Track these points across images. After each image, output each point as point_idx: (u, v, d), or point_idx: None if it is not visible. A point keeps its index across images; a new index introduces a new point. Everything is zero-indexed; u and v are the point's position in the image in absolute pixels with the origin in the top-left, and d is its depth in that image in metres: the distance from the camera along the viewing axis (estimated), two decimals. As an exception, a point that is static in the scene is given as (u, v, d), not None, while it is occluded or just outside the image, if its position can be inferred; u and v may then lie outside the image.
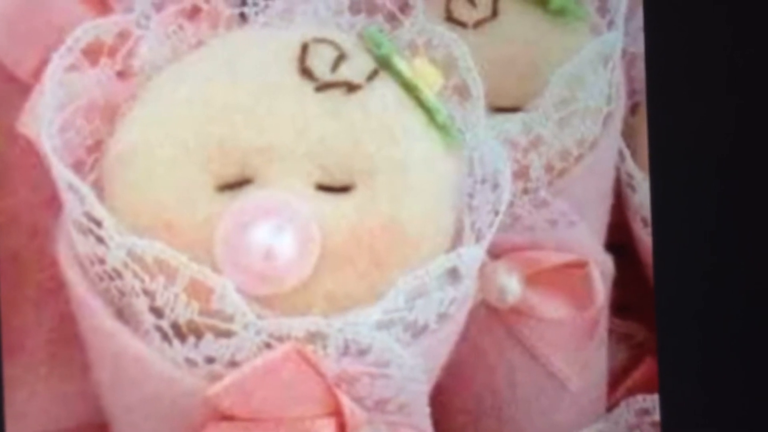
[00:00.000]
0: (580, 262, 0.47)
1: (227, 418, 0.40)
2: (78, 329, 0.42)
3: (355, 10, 0.45)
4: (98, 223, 0.40)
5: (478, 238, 0.43)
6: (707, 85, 0.48)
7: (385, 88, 0.42)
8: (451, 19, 0.48)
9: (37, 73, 0.43)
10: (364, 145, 0.41)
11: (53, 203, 0.42)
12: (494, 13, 0.49)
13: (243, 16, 0.45)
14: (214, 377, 0.40)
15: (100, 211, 0.40)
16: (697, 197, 0.47)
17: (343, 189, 0.41)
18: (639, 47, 0.49)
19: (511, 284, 0.46)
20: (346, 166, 0.41)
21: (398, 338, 0.41)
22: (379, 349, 0.41)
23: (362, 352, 0.41)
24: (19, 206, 0.44)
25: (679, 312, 0.47)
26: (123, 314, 0.41)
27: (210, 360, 0.40)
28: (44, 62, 0.42)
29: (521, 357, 0.47)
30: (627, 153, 0.49)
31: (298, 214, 0.40)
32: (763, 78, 0.48)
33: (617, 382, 0.49)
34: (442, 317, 0.42)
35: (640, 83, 0.49)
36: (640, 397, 0.48)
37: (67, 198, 0.41)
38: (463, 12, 0.49)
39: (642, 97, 0.49)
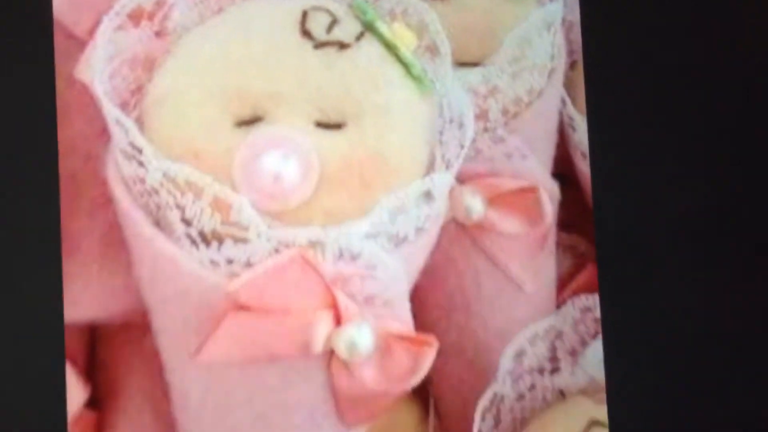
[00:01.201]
0: (532, 187, 0.48)
1: (244, 308, 0.42)
2: (123, 235, 0.44)
3: (345, -16, 0.48)
4: (140, 151, 0.43)
5: (448, 167, 0.46)
6: (633, 43, 0.50)
7: (370, 47, 0.45)
8: (423, -9, 0.52)
9: (92, 31, 0.45)
10: (354, 92, 0.44)
11: (103, 134, 0.44)
12: (459, -13, 0.52)
13: (256, -12, 0.49)
14: (233, 275, 0.42)
15: (141, 141, 0.43)
16: (625, 134, 0.49)
17: (337, 126, 0.44)
18: (576, 16, 0.50)
19: (475, 204, 0.47)
20: (339, 108, 0.44)
21: (383, 247, 0.44)
22: (367, 255, 0.44)
23: (354, 257, 0.44)
24: (77, 136, 0.45)
25: (614, 227, 0.48)
26: (159, 224, 0.43)
27: (230, 261, 0.43)
28: (97, 23, 0.44)
29: (485, 264, 0.48)
30: (568, 100, 0.49)
31: (301, 146, 0.43)
32: (680, 34, 0.51)
33: (564, 284, 0.49)
34: (419, 230, 0.45)
35: (577, 45, 0.50)
36: (583, 297, 0.48)
37: (115, 130, 0.43)
38: (433, -15, 0.53)
39: (579, 56, 0.50)
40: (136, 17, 0.45)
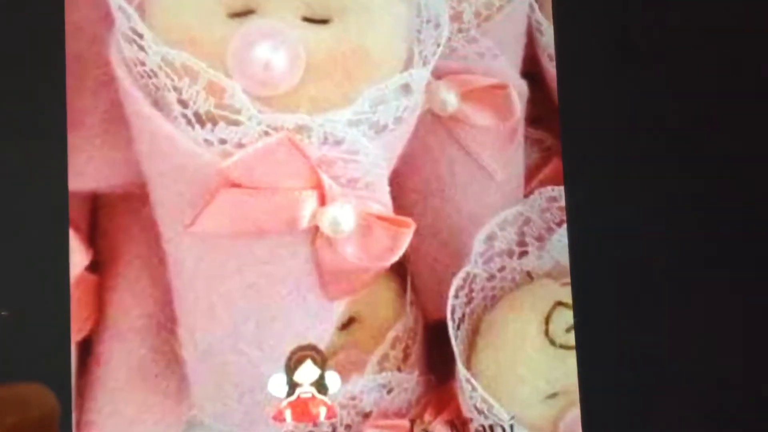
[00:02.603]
0: (502, 84, 0.47)
1: (235, 185, 0.43)
2: (124, 113, 0.44)
3: None
4: (140, 36, 0.43)
5: (425, 63, 0.46)
6: None
7: None
8: None
9: None
10: None
11: (107, 19, 0.44)
12: None
13: None
14: (226, 155, 0.43)
15: (142, 27, 0.43)
16: (590, 37, 0.48)
17: (323, 21, 0.44)
18: None
19: (450, 98, 0.47)
20: (325, 5, 0.44)
21: (365, 134, 0.44)
22: (350, 140, 0.44)
23: (338, 143, 0.44)
24: (83, 20, 0.44)
25: (578, 123, 0.47)
26: (158, 104, 0.43)
27: (223, 142, 0.43)
28: None
29: (458, 153, 0.47)
30: (536, 6, 0.48)
31: (289, 38, 0.43)
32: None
33: (532, 176, 0.48)
34: (398, 120, 0.45)
35: None
36: (549, 188, 0.47)
37: (118, 16, 0.43)
38: None
39: None
40: None
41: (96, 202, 0.44)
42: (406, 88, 0.45)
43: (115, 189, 0.44)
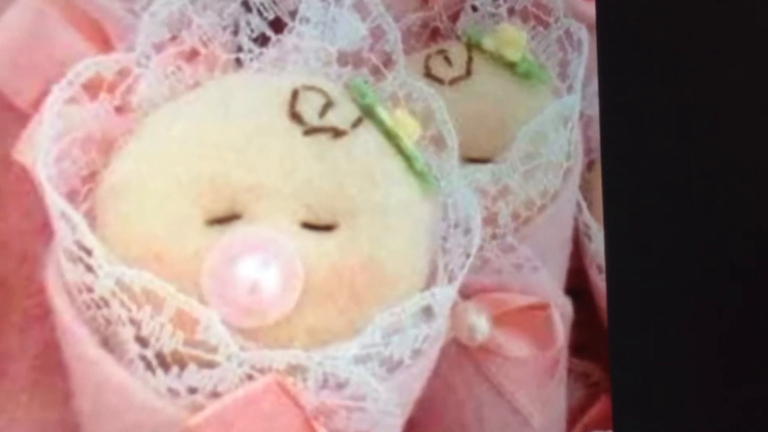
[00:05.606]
0: (543, 304, 0.37)
1: None
2: (62, 357, 0.32)
3: (342, 62, 0.36)
4: (88, 252, 0.31)
5: (451, 279, 0.34)
6: (655, 144, 0.41)
7: (368, 135, 0.33)
8: (429, 75, 0.40)
9: (37, 103, 0.33)
10: (348, 188, 0.32)
11: (44, 231, 0.32)
12: (468, 73, 0.40)
13: (238, 62, 0.35)
14: (196, 407, 0.30)
15: (90, 240, 0.31)
16: (647, 246, 0.39)
17: (327, 228, 0.32)
18: (594, 110, 0.40)
19: (480, 323, 0.36)
20: (330, 206, 0.32)
21: (374, 373, 0.32)
22: (356, 383, 0.32)
23: (340, 386, 0.32)
24: (10, 232, 0.34)
25: (631, 353, 0.37)
26: (108, 343, 0.31)
27: (192, 390, 0.31)
28: (44, 94, 0.33)
29: (488, 393, 0.37)
30: (584, 205, 0.40)
31: (284, 250, 0.31)
32: (702, 137, 0.42)
33: (575, 419, 0.39)
34: (416, 353, 0.33)
35: (596, 142, 0.41)
36: None
37: (59, 226, 0.31)
38: (440, 70, 0.40)
39: (597, 155, 0.41)
40: (93, 88, 0.33)
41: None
42: (427, 312, 0.33)
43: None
